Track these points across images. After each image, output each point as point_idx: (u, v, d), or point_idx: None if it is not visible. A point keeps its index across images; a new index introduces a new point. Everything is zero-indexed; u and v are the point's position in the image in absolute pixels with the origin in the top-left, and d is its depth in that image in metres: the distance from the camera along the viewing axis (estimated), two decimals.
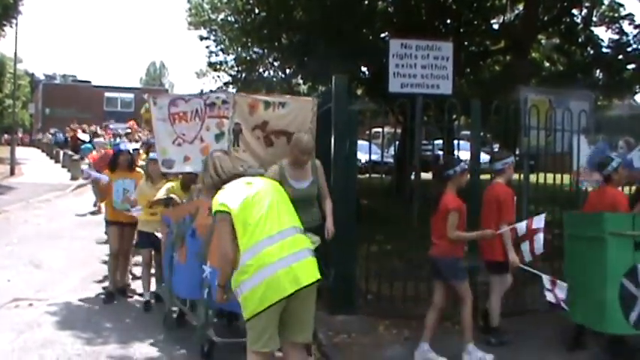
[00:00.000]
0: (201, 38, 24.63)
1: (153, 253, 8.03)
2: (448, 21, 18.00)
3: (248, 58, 22.83)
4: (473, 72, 19.66)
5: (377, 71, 16.50)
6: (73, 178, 24.14)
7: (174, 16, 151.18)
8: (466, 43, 18.26)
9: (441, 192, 6.27)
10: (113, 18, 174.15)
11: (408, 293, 7.67)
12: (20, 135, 60.72)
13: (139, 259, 8.87)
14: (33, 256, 10.68)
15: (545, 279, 6.38)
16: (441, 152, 18.13)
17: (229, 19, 21.94)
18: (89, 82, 67.70)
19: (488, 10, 18.63)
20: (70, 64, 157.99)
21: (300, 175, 6.35)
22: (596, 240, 6.25)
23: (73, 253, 11.22)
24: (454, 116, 10.18)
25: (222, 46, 24.29)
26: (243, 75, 22.88)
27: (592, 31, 18.59)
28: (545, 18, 17.78)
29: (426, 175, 10.27)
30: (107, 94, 63.57)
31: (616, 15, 18.25)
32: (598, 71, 18.49)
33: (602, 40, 18.46)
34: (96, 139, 24.33)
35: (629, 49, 17.50)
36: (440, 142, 17.53)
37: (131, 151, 8.88)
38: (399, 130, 14.05)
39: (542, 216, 6.41)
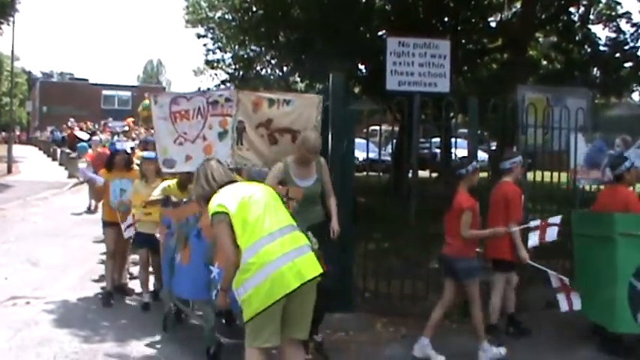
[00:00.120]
0: (199, 36, 24.68)
1: (150, 253, 7.93)
2: (445, 19, 17.99)
3: (245, 56, 22.86)
4: (470, 70, 19.67)
5: (374, 69, 16.49)
6: (71, 176, 24.10)
7: (172, 14, 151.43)
8: (463, 41, 18.25)
9: (454, 191, 6.31)
10: (110, 16, 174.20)
11: (406, 291, 7.67)
12: (18, 133, 60.71)
13: (135, 257, 8.82)
14: (30, 254, 10.66)
15: (553, 276, 6.47)
16: (438, 150, 18.18)
17: (227, 17, 21.96)
18: (86, 80, 67.64)
19: (485, 8, 18.64)
20: (67, 62, 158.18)
21: (304, 174, 6.33)
22: (606, 240, 6.31)
23: (71, 251, 11.20)
24: (451, 114, 10.17)
25: (220, 44, 24.33)
26: (241, 73, 22.88)
27: (589, 30, 18.63)
28: (543, 16, 17.80)
29: (424, 174, 10.24)
30: (104, 92, 63.50)
31: (613, 13, 18.29)
32: (595, 69, 18.52)
33: (600, 39, 18.52)
34: (93, 138, 24.30)
35: (626, 48, 17.54)
36: (437, 140, 17.56)
37: (128, 151, 8.72)
38: (396, 128, 14.05)
39: (559, 217, 6.53)
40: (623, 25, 17.96)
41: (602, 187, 8.60)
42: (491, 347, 6.21)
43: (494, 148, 11.69)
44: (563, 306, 6.57)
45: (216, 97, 7.07)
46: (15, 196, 19.01)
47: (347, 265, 7.43)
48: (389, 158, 17.80)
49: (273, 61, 22.93)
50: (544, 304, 7.54)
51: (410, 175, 9.61)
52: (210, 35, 24.40)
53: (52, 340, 6.57)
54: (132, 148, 9.86)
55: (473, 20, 18.63)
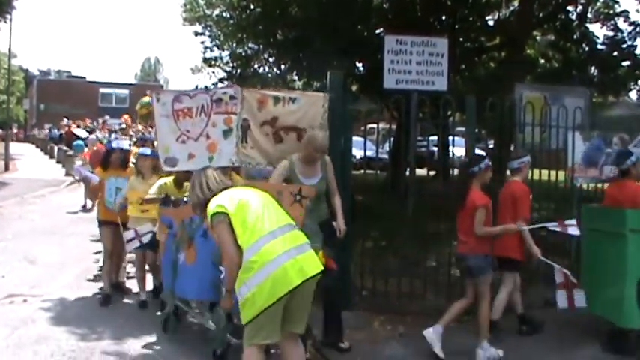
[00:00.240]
0: (196, 34, 24.58)
1: (147, 251, 7.84)
2: (443, 17, 17.99)
3: (243, 54, 22.80)
4: (468, 68, 19.65)
5: (372, 67, 16.49)
6: (68, 174, 24.08)
7: (169, 12, 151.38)
8: (461, 39, 18.25)
9: (467, 189, 6.34)
10: (108, 13, 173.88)
11: (403, 289, 7.68)
12: (15, 131, 60.58)
13: (132, 256, 8.78)
14: (27, 251, 10.65)
15: (558, 272, 6.54)
16: (435, 148, 18.21)
17: (224, 14, 21.89)
18: (84, 77, 67.61)
19: (483, 7, 18.63)
20: (64, 60, 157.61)
21: (309, 172, 6.31)
22: (617, 236, 6.36)
23: (68, 249, 11.19)
24: (449, 112, 10.18)
25: (217, 41, 24.25)
26: (238, 71, 22.81)
27: (587, 28, 18.62)
28: (541, 15, 17.80)
29: (421, 172, 10.26)
30: (102, 90, 63.41)
31: (611, 12, 18.29)
32: (593, 68, 18.51)
33: (597, 37, 18.51)
34: (90, 136, 24.27)
35: (624, 46, 17.56)
36: (435, 138, 17.57)
37: (124, 149, 8.53)
38: (394, 127, 14.03)
39: (573, 220, 6.63)
40: (621, 23, 17.98)
41: (599, 185, 8.64)
42: (490, 347, 6.22)
43: (491, 146, 11.71)
44: (561, 302, 6.63)
45: (220, 94, 6.95)
46: (12, 193, 19.00)
47: (345, 263, 7.44)
48: (386, 156, 17.81)
49: (270, 59, 22.85)
50: (542, 304, 7.56)
51: (407, 173, 9.62)
52: (207, 33, 24.31)
53: (49, 337, 6.57)
54: (130, 146, 9.72)
55: (470, 19, 18.63)
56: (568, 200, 8.41)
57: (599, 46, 18.17)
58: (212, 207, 4.70)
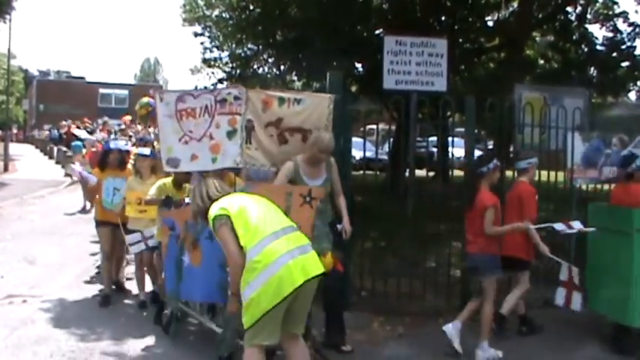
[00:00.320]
0: (196, 34, 24.62)
1: (144, 251, 7.76)
2: (443, 18, 18.02)
3: (242, 54, 22.82)
4: (467, 69, 19.68)
5: (371, 68, 16.51)
6: (67, 175, 24.08)
7: (169, 13, 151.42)
8: (461, 40, 18.27)
9: (475, 189, 6.37)
10: (107, 14, 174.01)
11: (402, 290, 7.68)
12: (15, 131, 60.59)
13: (131, 257, 8.72)
14: (27, 252, 10.65)
15: (565, 269, 6.60)
16: (435, 149, 18.22)
17: (224, 15, 21.91)
18: (83, 78, 67.55)
19: (482, 7, 18.66)
20: (64, 60, 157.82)
21: (314, 173, 6.27)
22: (623, 234, 6.39)
23: (67, 249, 11.19)
24: (448, 113, 10.18)
25: (217, 42, 24.28)
26: (238, 71, 22.82)
27: (586, 29, 18.67)
28: (540, 15, 17.84)
29: (421, 172, 10.26)
30: (101, 90, 63.38)
31: (610, 13, 18.34)
32: (592, 69, 18.55)
33: (597, 38, 18.59)
34: (88, 137, 24.23)
35: (623, 47, 17.60)
36: (434, 139, 17.56)
37: (122, 149, 8.43)
38: (393, 127, 14.04)
39: (578, 222, 6.65)
40: (620, 24, 18.04)
41: (599, 186, 8.65)
42: (490, 349, 6.22)
43: (491, 147, 11.71)
44: (559, 299, 6.70)
45: (225, 95, 6.80)
46: (12, 194, 19.00)
47: (344, 263, 7.43)
48: (386, 157, 17.83)
49: (270, 60, 22.87)
50: (542, 304, 7.56)
51: (407, 173, 9.63)
52: (207, 34, 24.34)
53: (48, 338, 6.56)
54: (127, 145, 9.62)
55: (470, 19, 18.66)
56: (567, 201, 8.41)
57: (598, 47, 18.21)
58: (213, 211, 4.75)
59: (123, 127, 20.33)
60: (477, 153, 8.18)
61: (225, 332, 5.84)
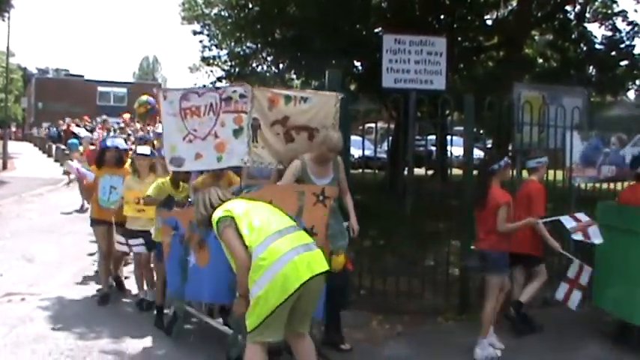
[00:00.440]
0: (195, 33, 24.61)
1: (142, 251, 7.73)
2: (442, 16, 18.02)
3: (241, 53, 22.82)
4: (466, 68, 19.69)
5: (370, 66, 16.51)
6: (66, 173, 24.06)
7: (168, 11, 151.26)
8: (460, 38, 18.29)
9: (486, 187, 6.40)
10: (106, 12, 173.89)
11: (401, 288, 7.68)
12: (14, 129, 60.54)
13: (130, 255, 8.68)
14: (25, 250, 10.64)
15: (575, 267, 6.62)
16: (434, 148, 18.21)
17: (223, 13, 21.92)
18: (82, 76, 67.51)
19: (481, 6, 18.67)
20: (62, 58, 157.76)
21: (322, 172, 6.25)
22: (633, 234, 6.41)
23: (66, 247, 11.18)
24: (447, 112, 10.18)
25: (216, 40, 24.28)
26: (237, 70, 22.83)
27: (585, 28, 18.67)
28: (539, 14, 17.84)
29: (419, 171, 10.25)
30: (100, 89, 63.35)
31: (609, 12, 18.35)
32: (591, 68, 18.56)
33: (596, 37, 18.59)
34: (83, 135, 24.22)
35: (622, 46, 17.61)
36: (433, 137, 17.56)
37: (119, 147, 8.29)
38: (392, 126, 14.05)
39: (583, 214, 6.65)
40: (619, 23, 18.05)
41: (597, 185, 8.65)
42: (489, 347, 6.24)
43: (489, 145, 11.71)
44: (560, 294, 6.74)
45: (230, 93, 6.68)
46: (10, 192, 18.99)
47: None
48: (385, 156, 17.83)
49: (269, 58, 22.90)
50: (541, 303, 7.56)
51: (405, 172, 9.62)
52: (206, 32, 24.34)
53: (47, 336, 6.56)
54: (126, 142, 9.54)
55: (469, 18, 18.66)
56: (566, 200, 8.41)
57: (597, 46, 18.23)
58: (217, 214, 4.82)
59: (122, 125, 20.33)
60: (476, 152, 8.19)
61: (236, 334, 5.71)
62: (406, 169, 9.62)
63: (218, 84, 22.00)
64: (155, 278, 7.48)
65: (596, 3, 18.60)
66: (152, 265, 7.63)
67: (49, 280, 8.86)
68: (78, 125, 31.87)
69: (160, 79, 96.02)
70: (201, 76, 34.73)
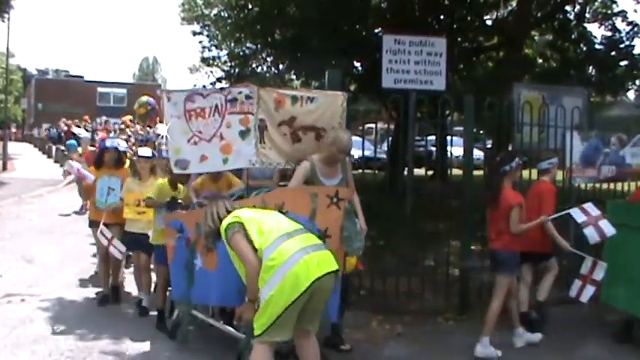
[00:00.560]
0: (194, 33, 24.59)
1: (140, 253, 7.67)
2: (441, 17, 18.03)
3: (241, 53, 22.81)
4: (466, 68, 19.70)
5: (370, 67, 16.53)
6: (66, 173, 24.03)
7: (168, 12, 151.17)
8: (459, 39, 18.29)
9: (498, 188, 6.46)
10: (106, 13, 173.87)
11: (401, 289, 7.68)
12: (14, 130, 60.51)
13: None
14: (25, 251, 10.64)
15: (588, 262, 6.60)
16: (434, 148, 18.21)
17: (222, 14, 21.90)
18: (82, 77, 67.47)
19: (481, 7, 18.68)
20: (62, 59, 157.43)
21: (330, 173, 6.22)
22: None
23: (66, 248, 11.18)
24: (447, 112, 10.18)
25: (216, 41, 24.26)
26: (236, 70, 22.81)
27: (585, 28, 18.68)
28: (539, 14, 17.84)
29: (419, 171, 10.25)
30: (100, 90, 63.28)
31: (609, 12, 18.36)
32: (591, 68, 18.57)
33: (595, 37, 18.61)
34: (82, 135, 24.20)
35: (622, 46, 17.63)
36: (433, 138, 17.55)
37: (118, 148, 8.21)
38: (392, 126, 14.05)
39: (590, 203, 6.65)
40: (619, 23, 18.07)
41: (597, 185, 8.65)
42: (490, 346, 6.25)
43: (489, 146, 11.70)
44: (573, 291, 6.73)
45: (236, 94, 6.57)
46: (10, 193, 18.99)
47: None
48: (384, 156, 17.83)
49: (269, 59, 22.86)
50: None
51: (405, 172, 9.62)
52: (205, 33, 24.32)
53: (47, 337, 6.56)
54: (126, 142, 9.46)
55: (469, 18, 18.68)
56: (566, 200, 8.41)
57: (597, 46, 18.24)
58: (225, 222, 4.90)
59: (123, 126, 20.30)
60: (476, 152, 8.19)
61: (249, 338, 5.48)
62: (406, 169, 9.61)
63: (218, 85, 22.01)
64: (153, 282, 7.47)
65: (596, 3, 18.61)
66: (155, 269, 7.56)
67: (49, 281, 8.86)
68: (78, 126, 31.86)
69: (159, 79, 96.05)
70: (201, 76, 34.74)
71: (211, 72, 25.73)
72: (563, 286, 7.27)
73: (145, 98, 12.83)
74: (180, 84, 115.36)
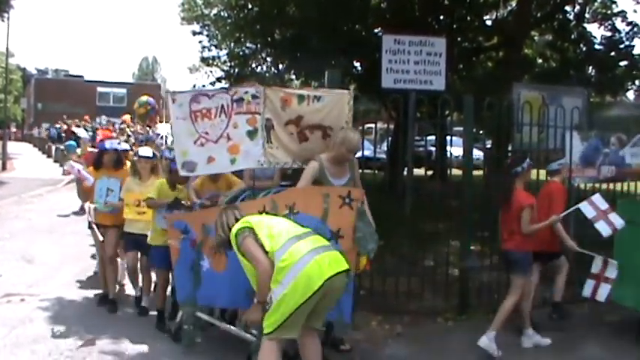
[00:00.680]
0: (194, 33, 24.60)
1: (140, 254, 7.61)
2: (441, 17, 18.04)
3: (241, 53, 22.81)
4: (466, 68, 19.71)
5: (370, 67, 16.53)
6: (67, 172, 24.02)
7: (167, 11, 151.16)
8: (459, 39, 18.30)
9: (510, 189, 6.55)
10: (106, 12, 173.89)
11: (401, 289, 7.67)
12: (13, 130, 60.50)
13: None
14: (25, 251, 10.64)
15: (598, 262, 6.68)
16: (433, 148, 18.23)
17: (222, 14, 21.91)
18: (81, 76, 67.41)
19: (481, 6, 18.68)
20: (62, 59, 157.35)
21: (339, 173, 6.23)
22: None
23: (65, 248, 11.17)
24: (447, 112, 10.18)
25: (215, 41, 24.27)
26: (236, 70, 22.82)
27: (585, 28, 18.68)
28: (539, 14, 17.84)
29: (419, 171, 10.25)
30: (99, 89, 63.19)
31: (608, 12, 18.35)
32: (590, 68, 18.58)
33: (595, 37, 18.60)
34: (82, 135, 24.20)
35: (622, 46, 17.63)
36: (433, 138, 17.55)
37: (118, 149, 8.10)
38: (391, 126, 14.05)
39: (598, 195, 6.75)
40: (619, 23, 18.06)
41: (597, 185, 8.65)
42: (494, 342, 6.27)
43: (489, 146, 11.69)
44: (587, 291, 6.78)
45: (242, 94, 6.50)
46: (9, 192, 18.99)
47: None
48: (384, 156, 17.83)
49: (268, 59, 22.89)
50: (541, 303, 7.56)
51: (405, 172, 9.62)
52: (205, 32, 24.34)
53: (46, 337, 6.56)
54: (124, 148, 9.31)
55: (468, 18, 18.67)
56: (567, 200, 8.41)
57: (596, 46, 18.24)
58: (235, 228, 4.98)
59: (123, 126, 20.34)
60: (476, 152, 8.20)
61: (260, 341, 5.42)
62: (406, 169, 9.61)
63: (218, 84, 22.01)
64: (152, 282, 7.46)
65: (596, 3, 18.61)
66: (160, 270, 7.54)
67: (48, 281, 8.86)
68: (78, 126, 31.87)
69: (159, 79, 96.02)
70: (201, 76, 34.72)
71: (211, 72, 25.75)
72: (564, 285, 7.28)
73: (144, 98, 12.87)
74: (179, 84, 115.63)
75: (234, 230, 4.94)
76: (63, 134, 31.92)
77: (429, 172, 18.69)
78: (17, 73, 66.03)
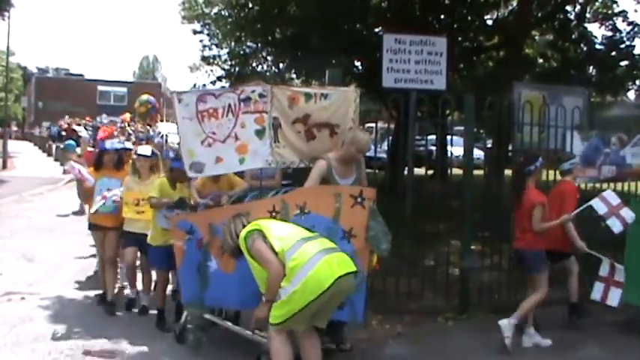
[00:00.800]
0: (195, 32, 24.64)
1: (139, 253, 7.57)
2: (442, 16, 18.03)
3: (241, 52, 22.83)
4: (466, 67, 19.70)
5: (370, 66, 16.52)
6: (66, 172, 24.03)
7: (168, 10, 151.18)
8: (460, 38, 18.28)
9: (522, 188, 6.66)
10: (106, 11, 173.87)
11: (401, 289, 7.67)
12: (14, 129, 60.52)
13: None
14: (25, 249, 10.64)
15: (606, 264, 6.76)
16: (434, 148, 18.21)
17: (223, 13, 21.94)
18: (82, 75, 67.48)
19: (482, 6, 18.66)
20: (62, 58, 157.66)
21: (346, 172, 6.21)
22: None
23: (66, 247, 11.16)
24: (447, 112, 10.17)
25: (216, 40, 24.31)
26: (237, 69, 22.85)
27: (586, 28, 18.68)
28: (539, 14, 17.82)
29: (419, 171, 10.24)
30: (100, 88, 63.18)
31: (609, 12, 18.35)
32: (591, 68, 18.58)
33: (596, 37, 18.59)
34: (82, 135, 24.21)
35: (622, 46, 17.62)
36: (433, 137, 17.55)
37: (118, 149, 8.00)
38: (392, 126, 14.04)
39: (610, 191, 6.90)
40: (620, 23, 18.05)
41: (597, 184, 8.66)
42: (536, 334, 6.57)
43: (490, 145, 11.69)
44: (596, 295, 6.87)
45: (249, 93, 6.42)
46: (10, 191, 18.97)
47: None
48: (385, 155, 17.82)
49: (269, 58, 22.94)
50: (541, 303, 7.55)
51: (405, 172, 9.61)
52: (206, 31, 24.39)
53: (47, 336, 6.56)
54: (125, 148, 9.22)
55: (469, 18, 18.66)
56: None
57: (597, 46, 18.24)
58: (244, 232, 5.06)
59: (124, 125, 20.32)
60: (476, 152, 8.19)
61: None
62: (406, 169, 9.60)
63: (218, 83, 22.04)
64: (153, 282, 7.45)
65: (597, 3, 18.60)
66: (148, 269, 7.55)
67: (49, 280, 8.86)
68: (78, 124, 31.87)
69: (160, 78, 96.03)
70: (202, 75, 34.82)
71: (211, 71, 25.82)
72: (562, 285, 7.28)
73: (145, 97, 12.85)
74: (180, 82, 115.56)
75: (242, 234, 5.02)
76: (64, 133, 31.90)
77: (430, 172, 18.68)
78: (18, 72, 66.00)
